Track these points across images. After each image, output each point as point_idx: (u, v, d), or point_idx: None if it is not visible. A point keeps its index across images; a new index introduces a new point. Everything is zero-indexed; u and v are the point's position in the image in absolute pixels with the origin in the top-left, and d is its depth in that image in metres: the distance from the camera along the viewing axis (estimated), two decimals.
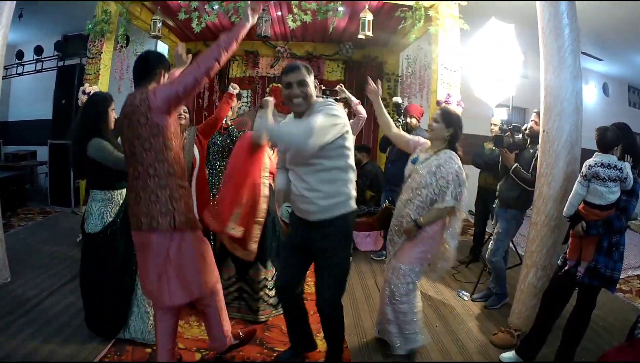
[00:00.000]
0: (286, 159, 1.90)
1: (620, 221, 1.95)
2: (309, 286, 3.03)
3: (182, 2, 3.73)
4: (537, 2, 2.51)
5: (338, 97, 2.87)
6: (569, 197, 2.09)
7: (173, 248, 1.64)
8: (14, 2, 2.98)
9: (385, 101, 5.25)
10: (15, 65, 6.16)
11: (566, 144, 2.39)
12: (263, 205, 2.34)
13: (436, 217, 2.10)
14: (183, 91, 1.57)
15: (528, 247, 2.56)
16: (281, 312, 2.37)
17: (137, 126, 1.59)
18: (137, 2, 4.12)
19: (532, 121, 2.86)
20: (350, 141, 1.82)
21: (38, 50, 5.99)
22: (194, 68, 1.56)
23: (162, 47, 5.56)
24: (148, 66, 1.72)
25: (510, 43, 3.18)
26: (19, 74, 6.22)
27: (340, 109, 1.76)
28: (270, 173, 2.44)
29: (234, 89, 2.79)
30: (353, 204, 1.86)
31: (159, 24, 4.07)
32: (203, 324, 2.12)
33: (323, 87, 3.31)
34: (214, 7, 3.77)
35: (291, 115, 1.91)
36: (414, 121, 3.61)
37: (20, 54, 6.15)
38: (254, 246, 2.34)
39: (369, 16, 3.75)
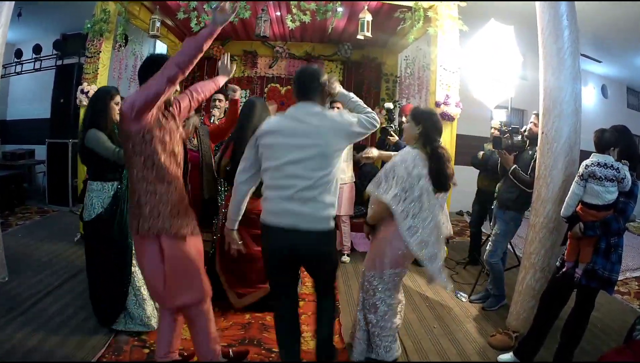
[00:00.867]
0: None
1: (618, 223, 1.95)
2: (307, 287, 3.03)
3: (180, 1, 3.72)
4: (537, 3, 2.51)
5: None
6: (567, 198, 2.09)
7: (166, 252, 1.64)
8: (13, 1, 2.98)
9: (384, 101, 5.27)
10: (14, 64, 6.16)
11: (565, 145, 2.39)
12: None
13: (377, 213, 2.07)
14: (143, 102, 1.54)
15: (526, 249, 2.56)
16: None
17: (125, 132, 1.61)
18: (136, 2, 4.11)
19: (531, 122, 2.86)
20: None
21: (37, 49, 6.00)
22: (158, 76, 1.54)
23: (161, 47, 5.56)
24: (153, 71, 1.70)
25: (509, 44, 3.19)
26: (18, 73, 6.23)
27: None
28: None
29: (234, 92, 2.78)
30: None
31: (158, 24, 4.08)
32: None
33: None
34: (213, 7, 3.74)
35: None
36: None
37: (19, 53, 6.16)
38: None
39: (368, 17, 3.75)
